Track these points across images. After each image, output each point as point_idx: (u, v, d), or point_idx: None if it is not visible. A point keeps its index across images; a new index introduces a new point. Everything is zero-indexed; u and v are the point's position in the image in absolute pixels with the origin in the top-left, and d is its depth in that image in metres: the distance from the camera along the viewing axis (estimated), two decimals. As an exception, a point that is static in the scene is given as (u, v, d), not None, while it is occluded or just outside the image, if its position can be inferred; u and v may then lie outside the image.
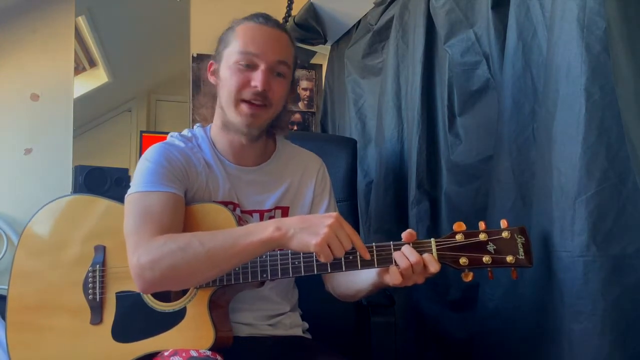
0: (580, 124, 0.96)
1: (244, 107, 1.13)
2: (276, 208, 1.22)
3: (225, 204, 1.14)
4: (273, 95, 1.13)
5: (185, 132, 1.24)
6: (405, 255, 0.99)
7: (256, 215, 1.19)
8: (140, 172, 1.13)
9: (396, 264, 0.99)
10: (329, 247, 0.97)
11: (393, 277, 0.99)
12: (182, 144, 1.18)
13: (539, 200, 1.09)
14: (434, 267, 0.98)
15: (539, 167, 1.10)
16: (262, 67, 1.12)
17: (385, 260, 1.01)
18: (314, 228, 0.97)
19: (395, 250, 1.00)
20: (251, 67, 1.12)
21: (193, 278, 1.04)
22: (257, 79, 1.11)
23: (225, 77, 1.14)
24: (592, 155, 0.95)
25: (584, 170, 0.95)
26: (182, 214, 1.10)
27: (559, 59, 1.02)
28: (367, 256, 1.00)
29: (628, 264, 0.92)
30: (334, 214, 1.00)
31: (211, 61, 1.21)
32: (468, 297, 1.45)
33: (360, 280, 1.12)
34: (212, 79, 1.20)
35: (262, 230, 1.00)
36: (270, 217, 1.20)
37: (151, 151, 1.16)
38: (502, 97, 1.27)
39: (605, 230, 0.94)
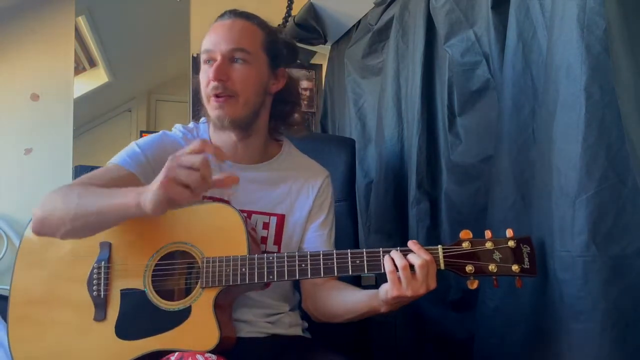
0: (580, 124, 0.96)
1: (212, 101, 1.15)
2: (271, 215, 1.20)
3: (214, 200, 1.14)
4: (233, 83, 1.14)
5: (191, 124, 1.28)
6: (392, 258, 0.99)
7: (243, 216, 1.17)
8: (124, 149, 1.19)
9: (384, 270, 0.99)
10: (177, 183, 0.89)
11: (389, 286, 0.98)
12: (179, 134, 1.22)
13: (539, 200, 1.09)
14: (421, 263, 0.96)
15: (539, 167, 1.10)
16: (217, 59, 1.14)
17: (374, 267, 1.00)
18: (156, 179, 0.92)
19: (384, 255, 1.00)
20: (211, 63, 1.15)
21: (61, 227, 1.03)
22: (210, 73, 1.14)
23: (198, 78, 1.19)
24: (592, 155, 0.94)
25: (584, 170, 0.95)
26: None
27: (559, 59, 1.02)
28: (223, 157, 0.95)
29: (628, 264, 0.92)
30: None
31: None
32: (468, 297, 1.45)
33: (352, 300, 1.11)
34: None
35: (126, 195, 0.97)
36: (264, 223, 1.20)
37: (145, 137, 1.22)
38: (502, 97, 1.27)
39: (605, 230, 0.93)
